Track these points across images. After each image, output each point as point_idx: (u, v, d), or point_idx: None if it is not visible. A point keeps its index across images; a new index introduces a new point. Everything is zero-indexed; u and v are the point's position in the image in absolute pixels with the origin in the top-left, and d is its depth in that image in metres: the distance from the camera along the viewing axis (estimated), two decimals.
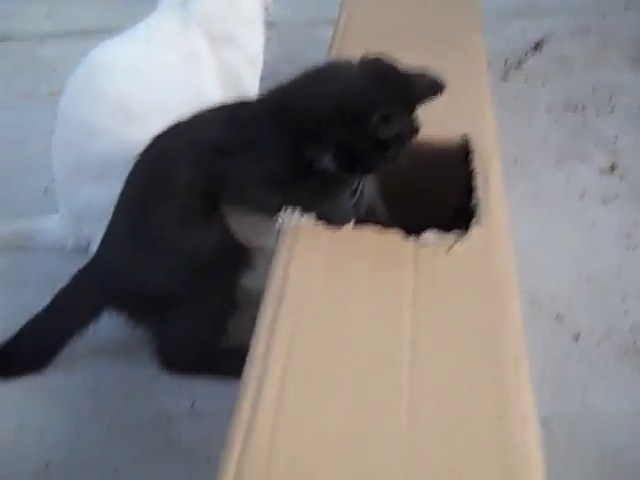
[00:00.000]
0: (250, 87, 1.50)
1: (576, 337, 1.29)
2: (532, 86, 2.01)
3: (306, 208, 0.95)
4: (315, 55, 1.86)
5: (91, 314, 1.17)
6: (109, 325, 1.21)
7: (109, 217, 1.17)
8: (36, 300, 1.19)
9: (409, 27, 1.36)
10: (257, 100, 1.06)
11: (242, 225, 1.24)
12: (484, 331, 0.79)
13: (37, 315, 1.19)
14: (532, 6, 2.42)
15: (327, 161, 0.90)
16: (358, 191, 0.97)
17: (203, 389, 1.21)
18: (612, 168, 1.70)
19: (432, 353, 0.77)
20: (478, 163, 1.04)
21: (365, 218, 0.98)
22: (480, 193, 0.98)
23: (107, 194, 1.21)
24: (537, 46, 2.18)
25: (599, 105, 1.93)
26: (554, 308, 1.35)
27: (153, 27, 1.42)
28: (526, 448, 0.68)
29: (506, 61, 2.09)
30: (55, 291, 1.19)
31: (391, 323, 0.80)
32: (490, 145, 1.08)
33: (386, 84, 0.93)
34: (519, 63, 2.11)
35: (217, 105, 1.09)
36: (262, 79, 1.91)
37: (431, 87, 0.95)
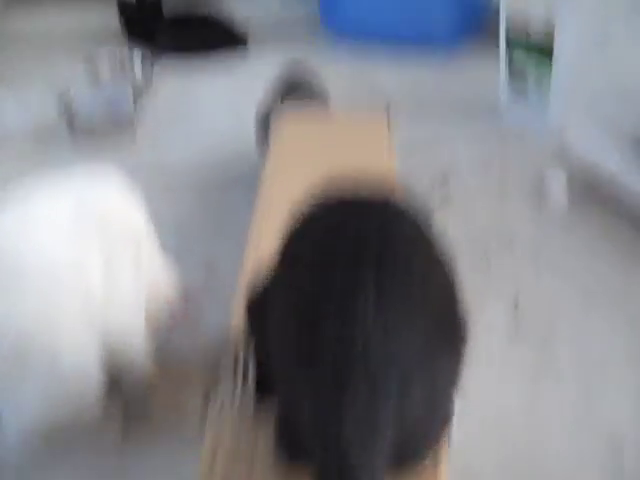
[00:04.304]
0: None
1: None
2: (437, 219, 2.13)
3: None
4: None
5: None
6: None
7: None
8: None
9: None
10: None
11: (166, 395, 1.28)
12: None
13: None
14: (435, 141, 2.59)
15: None
16: None
17: None
18: (515, 306, 1.81)
19: None
20: None
21: None
22: None
23: None
24: (441, 180, 2.32)
25: (500, 238, 2.05)
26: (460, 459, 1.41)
27: (45, 207, 1.42)
28: None
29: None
30: None
31: None
32: None
33: None
34: (428, 197, 2.23)
35: None
36: (178, 227, 1.97)
37: None
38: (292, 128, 2.04)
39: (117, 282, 1.44)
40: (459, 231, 2.08)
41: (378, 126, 2.06)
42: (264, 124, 2.27)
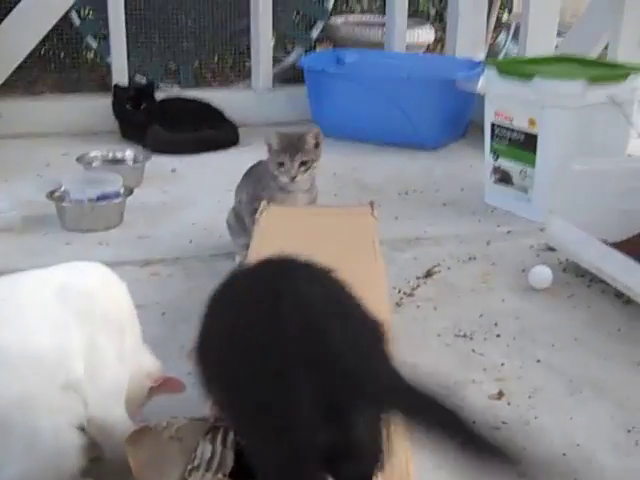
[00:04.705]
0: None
1: None
2: (424, 313, 2.14)
3: None
4: None
5: None
6: None
7: None
8: None
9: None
10: None
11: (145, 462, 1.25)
12: None
13: None
14: (422, 236, 2.62)
15: None
16: None
17: None
18: (500, 394, 1.79)
19: None
20: None
21: None
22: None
23: None
24: (428, 274, 2.34)
25: (486, 331, 2.05)
26: None
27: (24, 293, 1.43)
28: None
29: (400, 289, 2.23)
30: None
31: None
32: None
33: None
34: (412, 290, 2.25)
35: None
36: (164, 314, 1.98)
37: None
38: (275, 222, 2.05)
39: (99, 368, 1.44)
40: (443, 322, 2.09)
41: (364, 220, 2.08)
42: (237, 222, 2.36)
